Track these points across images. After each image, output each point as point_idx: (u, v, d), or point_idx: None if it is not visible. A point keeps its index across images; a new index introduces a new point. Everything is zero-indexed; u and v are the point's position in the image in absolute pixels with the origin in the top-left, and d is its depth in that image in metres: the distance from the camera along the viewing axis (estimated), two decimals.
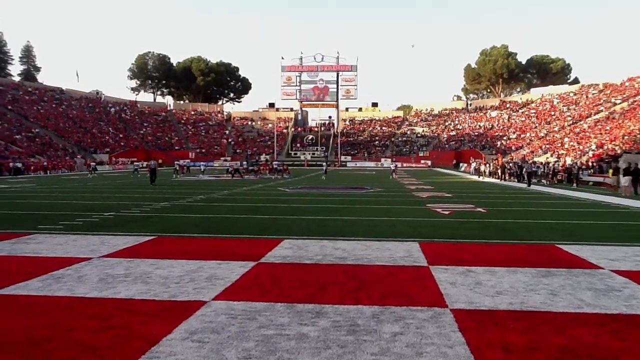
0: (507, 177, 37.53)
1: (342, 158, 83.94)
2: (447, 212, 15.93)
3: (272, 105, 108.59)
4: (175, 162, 53.90)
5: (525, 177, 32.65)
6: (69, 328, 5.15)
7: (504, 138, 79.67)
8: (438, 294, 6.38)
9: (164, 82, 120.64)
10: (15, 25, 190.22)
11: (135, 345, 4.65)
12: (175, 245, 9.98)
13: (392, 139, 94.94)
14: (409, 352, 4.47)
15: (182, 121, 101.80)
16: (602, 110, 68.58)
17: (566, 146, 58.49)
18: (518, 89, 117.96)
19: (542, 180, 34.53)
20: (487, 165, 44.95)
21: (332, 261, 8.44)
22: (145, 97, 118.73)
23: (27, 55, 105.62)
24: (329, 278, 7.27)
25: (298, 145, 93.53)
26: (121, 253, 9.13)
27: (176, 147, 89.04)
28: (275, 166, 46.52)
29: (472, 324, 5.25)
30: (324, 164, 52.00)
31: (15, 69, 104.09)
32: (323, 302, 6.00)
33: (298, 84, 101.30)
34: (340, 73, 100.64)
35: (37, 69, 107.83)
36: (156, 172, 31.89)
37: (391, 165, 44.89)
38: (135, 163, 57.58)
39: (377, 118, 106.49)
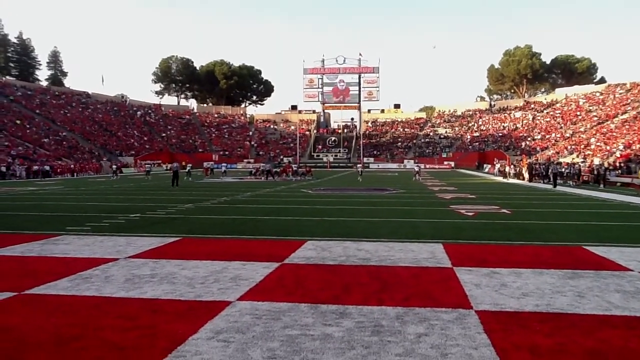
0: (534, 178, 37.01)
1: (365, 160, 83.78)
2: (471, 214, 15.80)
3: (294, 107, 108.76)
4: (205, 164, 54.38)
5: (551, 178, 32.22)
6: (96, 327, 5.24)
7: (529, 139, 78.65)
8: (463, 295, 6.34)
9: (187, 85, 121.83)
10: (42, 31, 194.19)
11: (161, 345, 4.71)
12: (200, 246, 10.08)
13: (415, 141, 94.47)
14: (434, 354, 4.45)
15: (206, 124, 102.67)
16: (629, 110, 67.32)
17: (592, 147, 57.56)
18: (542, 90, 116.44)
19: (569, 181, 34.01)
20: (512, 166, 44.40)
21: (355, 262, 8.43)
22: (170, 100, 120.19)
23: (54, 60, 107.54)
24: (353, 279, 7.27)
25: (321, 147, 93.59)
26: (147, 254, 9.25)
27: (200, 150, 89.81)
28: (295, 168, 46.50)
29: (498, 325, 5.21)
30: (359, 166, 51.35)
31: (42, 74, 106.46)
32: (347, 303, 6.01)
33: (320, 86, 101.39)
34: (362, 75, 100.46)
35: (64, 74, 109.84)
36: (178, 175, 31.95)
37: (414, 167, 44.59)
38: (146, 165, 58.14)
39: (399, 119, 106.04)
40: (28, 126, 67.20)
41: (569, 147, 62.98)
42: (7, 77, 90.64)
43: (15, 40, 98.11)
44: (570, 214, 16.26)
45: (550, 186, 31.06)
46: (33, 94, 79.97)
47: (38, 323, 5.38)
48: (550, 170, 33.80)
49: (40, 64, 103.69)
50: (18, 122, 66.08)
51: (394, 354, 4.44)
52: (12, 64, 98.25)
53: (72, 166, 55.01)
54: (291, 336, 4.90)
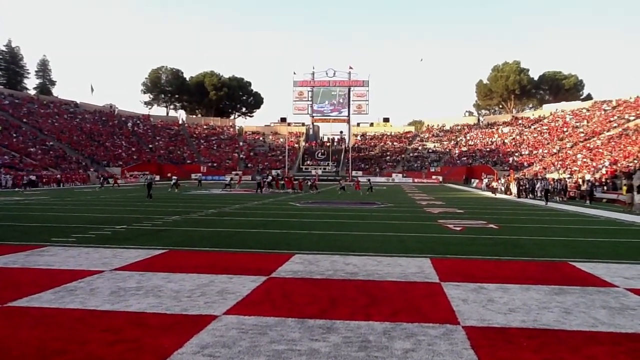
0: (521, 194, 37.20)
1: (354, 173, 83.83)
2: (458, 228, 15.85)
3: (283, 119, 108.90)
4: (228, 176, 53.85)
5: (538, 193, 32.38)
6: (81, 341, 5.17)
7: (516, 154, 79.29)
8: (450, 311, 6.34)
9: (177, 96, 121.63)
10: (31, 39, 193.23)
11: (146, 359, 4.66)
12: (187, 259, 10.01)
13: (404, 155, 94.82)
14: None
15: (195, 135, 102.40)
16: (615, 127, 68.13)
17: (579, 163, 58.10)
18: (530, 105, 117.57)
19: (555, 197, 34.25)
20: (499, 181, 44.65)
21: (343, 276, 8.41)
22: (159, 111, 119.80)
23: (43, 69, 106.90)
24: (340, 293, 7.25)
25: (309, 159, 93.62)
26: (133, 266, 9.17)
27: (188, 161, 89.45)
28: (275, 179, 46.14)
29: (485, 341, 5.21)
30: (341, 181, 50.79)
31: (31, 83, 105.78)
32: (334, 318, 5.99)
33: (310, 98, 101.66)
34: (352, 88, 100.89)
35: (53, 83, 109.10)
36: (151, 187, 31.30)
37: (366, 181, 44.56)
38: (141, 175, 57.62)
39: (388, 133, 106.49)
40: (15, 135, 66.64)
41: (556, 163, 63.53)
42: None
43: (3, 48, 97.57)
44: (557, 229, 16.35)
45: (540, 202, 31.23)
46: (21, 102, 79.41)
47: (21, 336, 5.30)
48: (540, 187, 34.03)
49: (28, 73, 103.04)
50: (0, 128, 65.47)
51: None
52: (0, 72, 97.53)
53: (58, 176, 54.52)
54: (278, 351, 4.87)
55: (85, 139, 79.03)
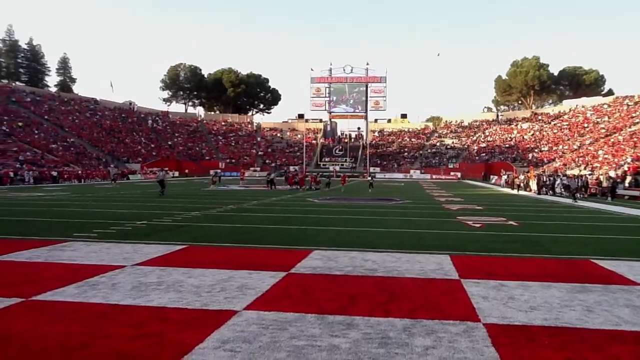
0: (541, 191, 36.79)
1: (371, 169, 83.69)
2: (478, 225, 15.74)
3: (301, 116, 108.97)
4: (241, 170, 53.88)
5: (558, 189, 31.95)
6: (103, 335, 5.23)
7: (536, 150, 78.46)
8: (470, 308, 6.31)
9: (195, 93, 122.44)
10: (52, 37, 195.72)
11: (168, 354, 4.71)
12: (206, 255, 10.08)
13: (421, 151, 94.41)
14: None
15: (213, 131, 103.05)
16: (637, 123, 67.05)
17: (600, 159, 57.32)
18: (550, 101, 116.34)
19: (576, 194, 33.81)
20: (519, 178, 44.18)
21: (362, 273, 8.41)
22: (177, 107, 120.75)
23: (64, 66, 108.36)
24: (359, 290, 7.25)
25: (327, 156, 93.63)
26: (154, 261, 9.26)
27: (207, 157, 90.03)
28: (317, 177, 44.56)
29: (506, 339, 5.17)
30: (370, 177, 49.71)
31: (52, 80, 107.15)
32: (353, 314, 5.98)
33: (327, 95, 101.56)
34: (370, 84, 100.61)
35: (73, 80, 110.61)
36: (164, 183, 30.97)
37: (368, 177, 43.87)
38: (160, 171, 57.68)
39: (406, 129, 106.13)
40: (36, 132, 67.59)
41: (576, 159, 62.75)
42: (17, 82, 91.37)
43: (25, 46, 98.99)
44: (579, 226, 16.17)
45: (557, 198, 30.83)
46: (42, 99, 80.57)
47: (45, 330, 5.38)
48: (560, 183, 33.58)
49: (49, 70, 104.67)
50: (20, 124, 66.43)
51: None
52: (22, 70, 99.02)
53: (79, 172, 55.23)
54: (298, 347, 4.89)
55: (105, 135, 79.94)
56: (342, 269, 8.71)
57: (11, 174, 46.04)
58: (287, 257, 9.81)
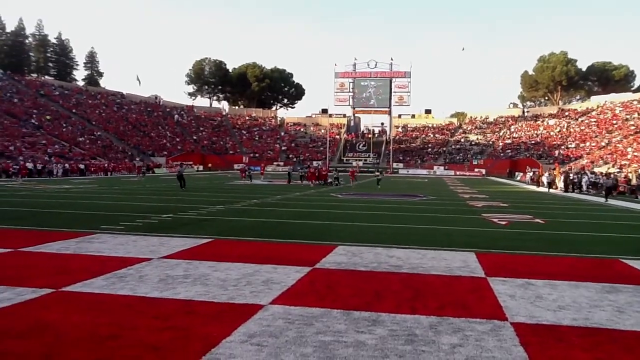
0: (568, 188, 36.15)
1: (394, 165, 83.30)
2: (503, 223, 15.58)
3: (325, 111, 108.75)
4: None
5: (584, 187, 31.27)
6: (131, 327, 5.31)
7: (562, 147, 77.25)
8: (497, 307, 6.24)
9: (219, 87, 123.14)
10: (80, 32, 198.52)
11: (195, 347, 4.75)
12: (232, 248, 10.15)
13: (445, 147, 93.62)
14: None
15: (237, 126, 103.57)
16: None
17: (629, 156, 56.22)
18: (577, 97, 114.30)
19: (611, 192, 33.09)
20: (545, 175, 43.49)
21: (387, 269, 8.38)
22: (202, 102, 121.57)
23: (91, 61, 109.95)
24: (385, 286, 7.23)
25: (350, 151, 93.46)
26: (180, 254, 9.35)
27: (231, 152, 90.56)
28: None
29: (534, 338, 5.11)
30: (378, 172, 49.15)
31: (79, 74, 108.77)
32: (379, 310, 5.97)
33: (351, 90, 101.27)
34: (394, 79, 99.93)
35: (100, 74, 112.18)
36: (183, 178, 30.45)
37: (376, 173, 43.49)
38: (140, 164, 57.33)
39: (430, 125, 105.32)
40: (64, 125, 68.72)
41: (604, 156, 61.64)
42: (46, 76, 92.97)
43: (54, 41, 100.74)
44: (607, 225, 15.88)
45: (584, 196, 30.30)
46: (70, 93, 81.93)
47: (76, 320, 5.48)
48: (587, 181, 32.93)
49: (77, 64, 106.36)
50: (48, 117, 67.60)
51: None
52: (50, 64, 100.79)
53: (105, 165, 56.04)
54: (324, 342, 4.89)
55: (131, 129, 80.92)
56: (367, 265, 8.70)
57: (39, 166, 46.80)
58: (312, 252, 9.83)
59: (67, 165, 50.17)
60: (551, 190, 37.05)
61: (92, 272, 7.71)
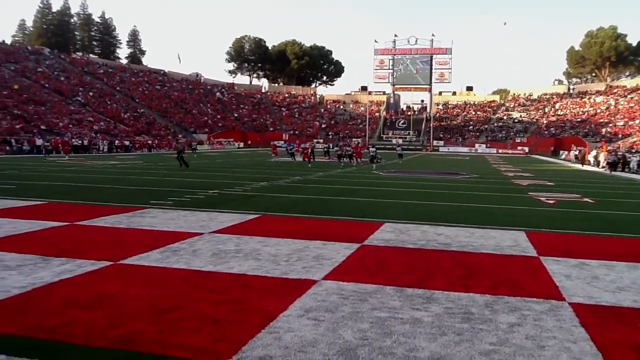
0: (615, 167, 35.08)
1: (435, 143, 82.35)
2: (551, 202, 15.24)
3: (364, 88, 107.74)
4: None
5: (635, 167, 30.28)
6: (189, 299, 5.42)
7: (610, 125, 74.85)
8: (553, 286, 6.14)
9: (259, 65, 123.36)
10: (123, 11, 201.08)
11: (254, 320, 4.81)
12: (280, 224, 10.23)
13: (487, 125, 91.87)
14: (530, 345, 4.33)
15: (277, 103, 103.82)
16: None
17: None
18: (627, 73, 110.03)
19: None
20: (591, 153, 42.32)
21: (435, 247, 8.34)
22: (242, 79, 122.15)
23: (134, 39, 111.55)
24: (435, 264, 7.19)
25: (390, 129, 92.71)
26: (230, 229, 9.49)
27: (270, 129, 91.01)
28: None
29: (594, 319, 5.01)
30: (398, 148, 47.68)
31: (122, 53, 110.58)
32: (432, 288, 5.94)
33: (391, 67, 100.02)
34: (434, 56, 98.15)
35: (142, 52, 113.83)
36: (181, 155, 28.41)
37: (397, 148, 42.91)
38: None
39: (471, 102, 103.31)
40: (109, 102, 70.15)
41: None
42: (91, 55, 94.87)
43: (98, 20, 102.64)
44: None
45: (633, 175, 29.40)
46: (114, 71, 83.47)
47: (134, 292, 5.62)
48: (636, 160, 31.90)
49: (120, 43, 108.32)
50: (91, 94, 69.09)
51: (488, 343, 4.36)
52: (95, 43, 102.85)
53: (149, 142, 57.10)
54: (380, 318, 4.91)
55: (173, 106, 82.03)
56: (415, 242, 8.66)
57: (85, 143, 47.95)
58: (359, 228, 9.84)
59: (116, 141, 51.39)
60: (596, 169, 36.07)
61: (147, 246, 7.89)
